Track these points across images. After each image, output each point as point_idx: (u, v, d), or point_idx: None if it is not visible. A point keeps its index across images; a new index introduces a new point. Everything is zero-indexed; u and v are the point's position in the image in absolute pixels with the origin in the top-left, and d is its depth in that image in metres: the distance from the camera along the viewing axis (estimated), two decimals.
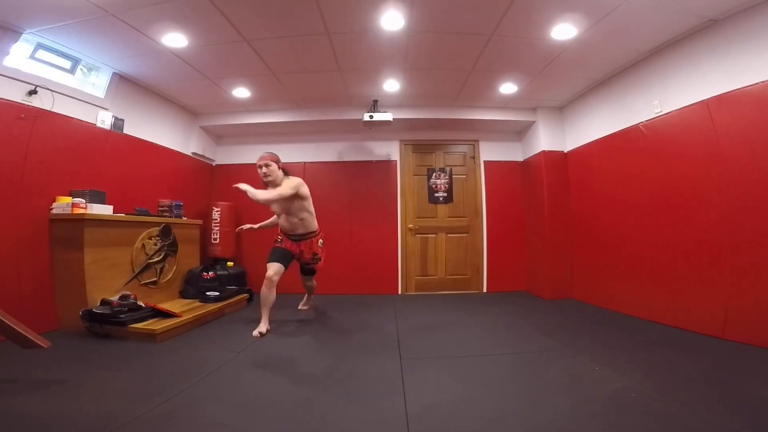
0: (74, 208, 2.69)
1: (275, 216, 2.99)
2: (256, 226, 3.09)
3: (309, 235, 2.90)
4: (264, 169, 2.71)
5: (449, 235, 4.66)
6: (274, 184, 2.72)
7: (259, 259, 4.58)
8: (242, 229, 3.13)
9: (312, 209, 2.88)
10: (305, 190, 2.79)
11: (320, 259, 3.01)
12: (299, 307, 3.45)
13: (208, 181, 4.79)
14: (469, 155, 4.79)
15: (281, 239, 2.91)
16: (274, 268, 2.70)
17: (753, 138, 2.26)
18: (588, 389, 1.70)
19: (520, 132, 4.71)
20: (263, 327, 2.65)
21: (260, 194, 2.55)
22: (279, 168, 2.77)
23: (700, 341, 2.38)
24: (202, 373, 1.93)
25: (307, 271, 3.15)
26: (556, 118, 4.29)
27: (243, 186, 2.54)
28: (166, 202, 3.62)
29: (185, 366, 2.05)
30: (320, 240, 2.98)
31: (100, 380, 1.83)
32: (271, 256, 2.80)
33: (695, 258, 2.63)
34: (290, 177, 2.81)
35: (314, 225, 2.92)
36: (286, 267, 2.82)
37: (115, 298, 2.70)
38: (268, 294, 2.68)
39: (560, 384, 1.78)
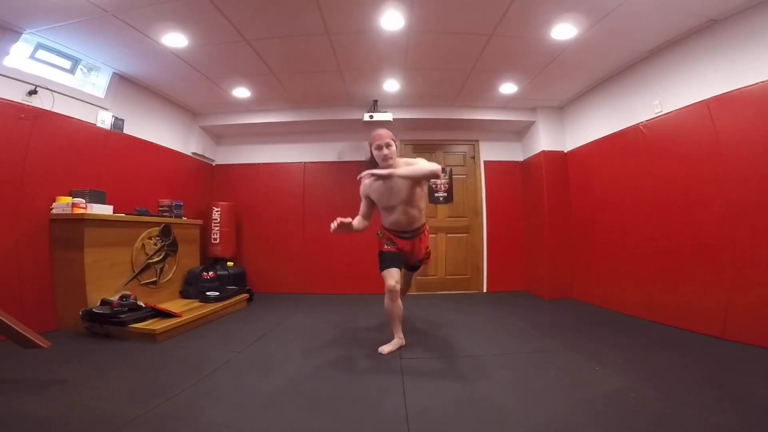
0: (74, 208, 2.69)
1: (362, 220, 2.38)
2: (348, 221, 2.19)
3: (423, 227, 2.46)
4: (386, 150, 2.21)
5: (449, 235, 4.66)
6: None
7: (259, 259, 4.63)
8: (342, 223, 2.15)
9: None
10: None
11: (431, 253, 2.62)
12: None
13: (208, 181, 4.79)
14: (469, 155, 4.79)
15: (391, 242, 2.42)
16: (393, 276, 2.28)
17: (753, 138, 2.26)
18: (588, 389, 1.70)
19: (520, 132, 4.71)
20: (396, 344, 2.31)
21: (423, 165, 2.16)
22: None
23: (700, 341, 2.38)
24: (202, 373, 1.93)
25: (414, 268, 2.66)
26: (556, 118, 4.29)
27: (374, 171, 2.16)
28: (166, 202, 3.62)
29: (185, 366, 2.05)
30: (429, 231, 2.57)
31: (100, 380, 1.83)
32: (384, 263, 2.34)
33: (695, 258, 2.63)
34: (405, 159, 2.37)
35: (425, 215, 2.48)
36: (401, 269, 2.44)
37: (115, 298, 2.69)
38: (392, 306, 2.28)
39: (560, 384, 1.78)
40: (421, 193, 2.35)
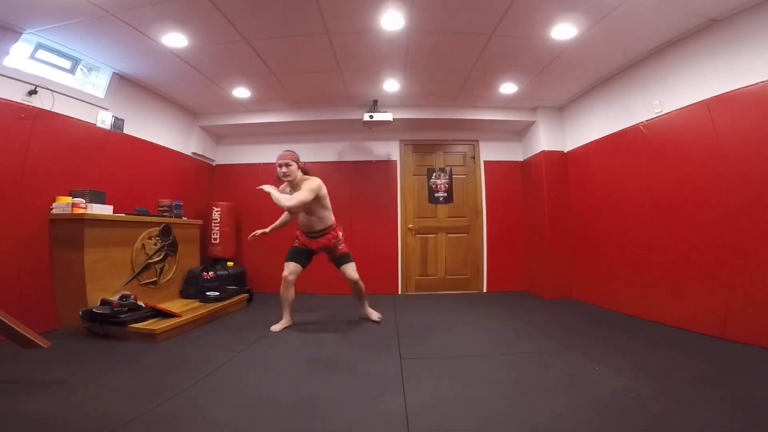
0: (74, 208, 2.69)
1: (285, 214, 3.02)
2: (267, 230, 3.02)
3: (327, 230, 2.89)
4: (284, 169, 2.71)
5: (449, 235, 4.66)
6: (293, 184, 2.75)
7: (259, 259, 4.63)
8: (255, 235, 3.00)
9: (329, 205, 2.89)
10: (324, 191, 2.80)
11: (341, 243, 2.97)
12: (373, 319, 3.13)
13: (208, 181, 4.79)
14: (469, 155, 4.79)
15: (298, 238, 2.94)
16: (289, 268, 2.81)
17: (753, 138, 2.26)
18: (588, 389, 1.70)
19: (520, 132, 4.71)
20: (284, 324, 2.82)
21: (284, 200, 2.61)
22: (299, 168, 2.79)
23: (700, 341, 2.38)
24: (202, 373, 1.93)
25: (339, 260, 2.98)
26: (556, 118, 4.29)
27: (267, 188, 2.60)
28: (166, 202, 3.62)
29: (185, 366, 2.05)
30: (339, 232, 2.97)
31: (100, 380, 1.83)
32: (288, 255, 2.88)
33: (695, 258, 2.63)
34: (310, 177, 2.80)
35: (331, 219, 2.92)
36: (303, 266, 2.88)
37: (115, 298, 2.69)
38: (285, 293, 2.81)
39: (560, 384, 1.78)
40: (319, 204, 2.78)
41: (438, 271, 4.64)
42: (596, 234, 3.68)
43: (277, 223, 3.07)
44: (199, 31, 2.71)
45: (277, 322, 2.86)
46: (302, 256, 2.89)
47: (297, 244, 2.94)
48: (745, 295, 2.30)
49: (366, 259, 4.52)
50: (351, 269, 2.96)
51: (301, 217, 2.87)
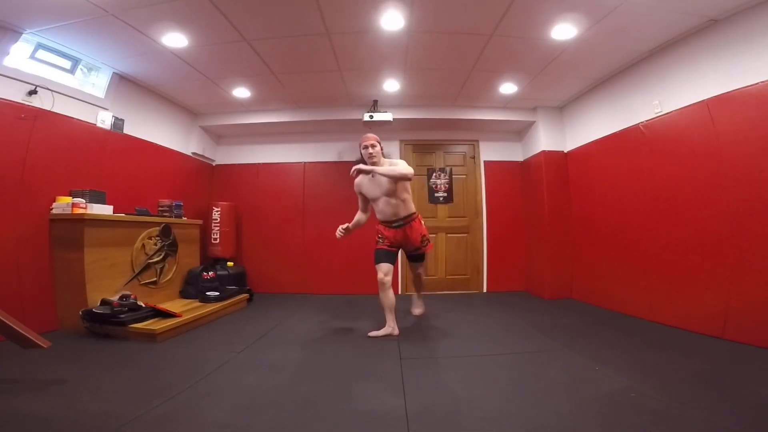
0: (74, 208, 2.69)
1: (360, 213, 2.84)
2: (350, 226, 2.75)
3: (412, 217, 2.76)
4: (370, 150, 2.65)
5: (449, 235, 4.66)
6: (377, 166, 2.66)
7: (259, 259, 4.63)
8: (343, 231, 2.71)
9: (410, 189, 2.79)
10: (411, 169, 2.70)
11: (429, 241, 2.86)
12: (414, 313, 3.13)
13: (208, 181, 4.79)
14: (469, 155, 4.79)
15: (382, 236, 2.76)
16: (383, 269, 2.64)
17: (753, 138, 2.26)
18: (588, 389, 1.70)
19: (520, 132, 4.71)
20: (387, 330, 2.61)
21: (402, 167, 2.58)
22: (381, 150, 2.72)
23: (700, 341, 2.38)
24: (202, 373, 1.93)
25: (416, 257, 2.92)
26: (556, 118, 4.29)
27: (361, 165, 2.60)
28: (166, 202, 3.62)
29: (185, 366, 2.05)
30: (423, 221, 2.86)
31: (100, 380, 1.83)
32: (377, 258, 2.71)
33: (695, 258, 2.63)
34: (390, 158, 2.82)
35: (413, 206, 2.80)
36: (394, 264, 2.74)
37: (115, 298, 2.69)
38: (385, 296, 2.63)
39: (560, 384, 1.78)
40: (402, 187, 2.68)
41: (438, 271, 4.63)
42: (596, 234, 3.68)
43: (354, 222, 2.81)
44: (199, 31, 2.71)
45: (278, 322, 2.85)
46: (391, 255, 2.74)
47: (384, 245, 2.73)
48: (744, 295, 2.30)
49: (366, 259, 4.52)
50: (424, 268, 3.05)
51: (382, 205, 2.69)
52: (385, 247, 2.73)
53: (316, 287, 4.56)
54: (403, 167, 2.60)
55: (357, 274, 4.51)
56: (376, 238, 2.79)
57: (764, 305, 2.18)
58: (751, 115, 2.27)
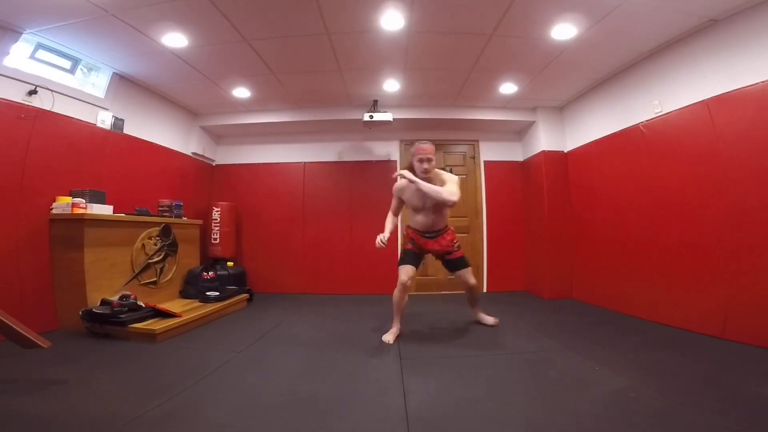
0: (74, 208, 2.69)
1: (392, 216, 2.75)
2: (388, 234, 2.64)
3: (445, 229, 2.73)
4: (426, 165, 2.48)
5: None
6: (429, 179, 2.52)
7: (259, 259, 4.63)
8: (385, 242, 2.58)
9: None
10: None
11: (459, 246, 2.77)
12: (489, 323, 2.95)
13: (208, 181, 4.79)
14: (469, 155, 4.79)
15: (413, 241, 2.72)
16: (408, 272, 2.56)
17: (753, 138, 2.26)
18: (588, 389, 1.70)
19: (520, 132, 4.71)
20: (396, 332, 2.58)
21: (447, 193, 2.40)
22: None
23: (700, 341, 2.38)
24: (202, 373, 1.93)
25: (454, 264, 2.78)
26: (556, 118, 4.29)
27: (408, 174, 2.49)
28: (166, 202, 3.62)
29: (185, 366, 2.05)
30: (455, 233, 2.80)
31: (100, 380, 1.83)
32: (402, 259, 2.66)
33: (695, 258, 2.63)
34: (443, 172, 2.62)
35: (448, 219, 2.78)
36: (417, 268, 2.70)
37: (115, 298, 2.69)
38: (400, 298, 2.57)
39: (560, 384, 1.78)
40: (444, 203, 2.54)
41: (438, 271, 4.62)
42: (596, 234, 3.68)
43: (390, 227, 2.70)
44: (199, 31, 2.71)
45: (278, 322, 2.85)
46: (417, 258, 2.70)
47: (411, 247, 2.70)
48: (744, 296, 2.30)
49: (366, 259, 4.53)
50: (469, 273, 2.78)
51: (421, 216, 2.65)
52: (414, 249, 2.70)
53: (316, 287, 4.56)
54: (449, 191, 2.43)
55: (357, 274, 4.52)
56: (406, 240, 2.78)
57: (764, 305, 2.18)
58: (751, 115, 2.27)
